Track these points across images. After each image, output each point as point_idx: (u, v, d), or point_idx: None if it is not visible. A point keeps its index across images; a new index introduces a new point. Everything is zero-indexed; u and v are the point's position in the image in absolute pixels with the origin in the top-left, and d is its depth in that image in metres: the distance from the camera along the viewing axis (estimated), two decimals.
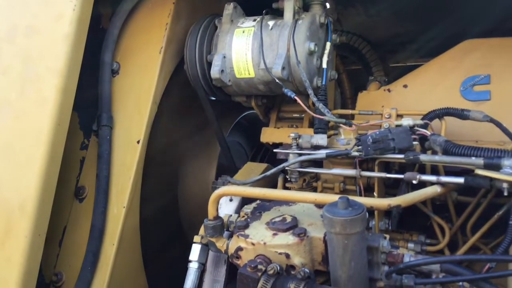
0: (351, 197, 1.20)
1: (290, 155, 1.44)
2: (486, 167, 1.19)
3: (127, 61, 1.70)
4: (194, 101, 1.76)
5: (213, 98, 1.79)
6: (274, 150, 1.53)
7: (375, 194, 1.41)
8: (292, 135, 1.45)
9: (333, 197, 1.19)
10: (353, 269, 1.15)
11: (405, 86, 1.69)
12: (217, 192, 1.34)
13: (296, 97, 1.43)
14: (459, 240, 1.48)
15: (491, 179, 1.19)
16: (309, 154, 1.42)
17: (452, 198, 1.49)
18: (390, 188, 1.55)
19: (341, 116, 1.67)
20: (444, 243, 1.45)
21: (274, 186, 1.66)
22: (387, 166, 1.50)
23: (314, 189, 1.55)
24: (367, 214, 1.21)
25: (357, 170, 1.40)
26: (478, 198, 1.44)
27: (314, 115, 1.43)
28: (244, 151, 2.29)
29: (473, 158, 1.21)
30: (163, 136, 1.75)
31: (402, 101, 1.67)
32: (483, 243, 1.46)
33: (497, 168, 1.17)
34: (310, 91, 1.45)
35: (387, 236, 1.26)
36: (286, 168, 1.44)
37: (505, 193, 1.18)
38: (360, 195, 1.43)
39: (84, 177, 1.64)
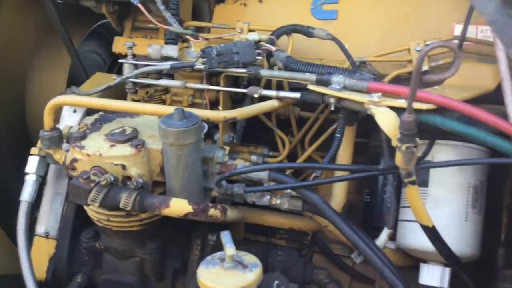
0: (189, 109, 1.21)
1: (126, 65, 1.40)
2: (318, 82, 1.25)
3: None
4: None
5: (60, 1, 1.66)
6: (119, 61, 1.47)
7: (220, 108, 1.43)
8: (128, 44, 1.40)
9: (171, 109, 1.19)
10: (186, 179, 1.18)
11: (260, 1, 1.68)
12: (52, 101, 1.28)
13: (139, 4, 1.37)
14: (298, 153, 1.58)
15: (323, 94, 1.26)
16: (152, 65, 1.38)
17: (295, 113, 1.56)
18: (240, 104, 1.58)
19: (197, 29, 1.64)
20: (284, 155, 1.54)
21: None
22: (236, 81, 1.52)
23: (163, 102, 1.53)
24: (205, 126, 1.24)
25: (203, 83, 1.40)
26: (316, 113, 1.52)
27: (159, 24, 1.38)
28: (104, 61, 2.19)
29: (307, 74, 1.26)
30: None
31: (257, 16, 1.67)
32: (320, 156, 1.56)
33: (327, 84, 1.23)
34: None
35: (227, 148, 1.31)
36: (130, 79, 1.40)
37: (332, 108, 1.26)
38: (206, 109, 1.44)
39: None
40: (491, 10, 1.07)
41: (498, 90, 1.22)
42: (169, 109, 1.21)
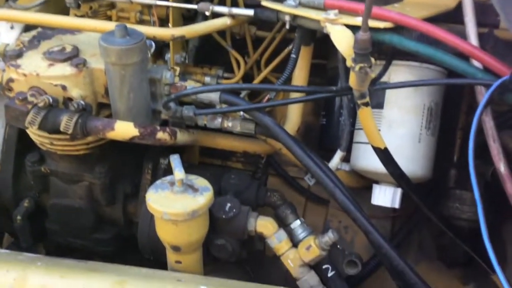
0: (134, 26, 1.13)
1: None
2: None
3: None
4: None
5: None
6: None
7: (169, 25, 1.34)
8: None
9: (113, 25, 1.10)
10: (132, 100, 1.12)
11: None
12: None
13: None
14: (254, 74, 1.52)
15: (277, 11, 1.19)
16: None
17: (251, 32, 1.48)
18: (192, 21, 1.49)
19: None
20: (239, 76, 1.48)
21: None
22: None
23: (109, 19, 1.43)
24: (151, 44, 1.16)
25: None
26: (273, 33, 1.46)
27: None
28: None
29: None
30: None
31: None
32: (276, 78, 1.51)
33: (281, 0, 1.16)
34: None
35: (177, 69, 1.24)
36: None
37: (287, 26, 1.19)
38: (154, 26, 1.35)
39: None
40: None
41: (458, 8, 1.19)
42: (111, 26, 1.13)
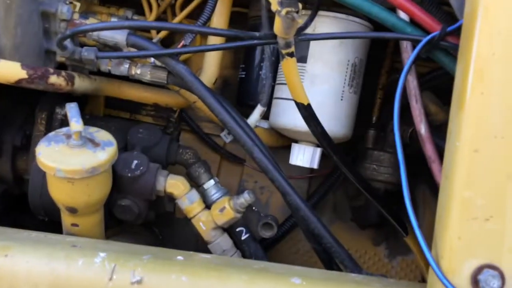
0: None
1: None
2: None
3: None
4: None
5: None
6: None
7: None
8: None
9: None
10: (20, 36, 0.95)
11: None
12: None
13: None
14: (168, 19, 1.38)
15: None
16: None
17: None
18: None
19: None
20: (151, 19, 1.33)
21: None
22: None
23: None
24: None
25: None
26: None
27: None
28: None
29: None
30: None
31: None
32: (192, 24, 1.38)
33: None
34: None
35: (77, 4, 1.08)
36: None
37: None
38: None
39: None
40: None
41: None
42: None
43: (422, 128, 1.07)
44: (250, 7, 1.39)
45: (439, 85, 1.25)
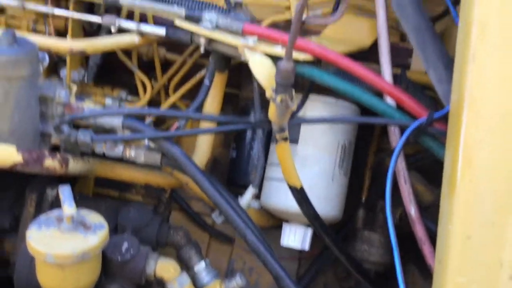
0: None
1: None
2: (187, 18, 1.08)
3: None
4: None
5: None
6: None
7: (68, 37, 1.19)
8: None
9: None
10: (17, 121, 0.96)
11: None
12: None
13: None
14: (161, 100, 1.41)
15: (192, 33, 1.10)
16: None
17: (160, 54, 1.37)
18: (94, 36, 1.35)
19: None
20: (144, 100, 1.35)
21: None
22: (90, 8, 1.28)
23: None
24: (44, 56, 1.01)
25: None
26: (184, 56, 1.36)
27: None
28: None
29: (175, 6, 1.09)
30: None
31: None
32: (185, 105, 1.41)
33: (197, 20, 1.08)
34: None
35: (74, 87, 1.10)
36: None
37: (202, 50, 1.11)
38: None
39: None
40: None
41: (373, 47, 1.18)
42: None
43: (412, 209, 1.08)
44: (242, 88, 1.43)
45: (423, 164, 1.28)
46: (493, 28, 0.80)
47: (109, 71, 1.40)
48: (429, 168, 1.26)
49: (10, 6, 1.16)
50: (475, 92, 0.80)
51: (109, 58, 1.35)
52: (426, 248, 1.06)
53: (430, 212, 1.09)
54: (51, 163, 0.97)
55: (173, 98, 1.36)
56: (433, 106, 1.08)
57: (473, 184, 0.79)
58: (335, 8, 1.12)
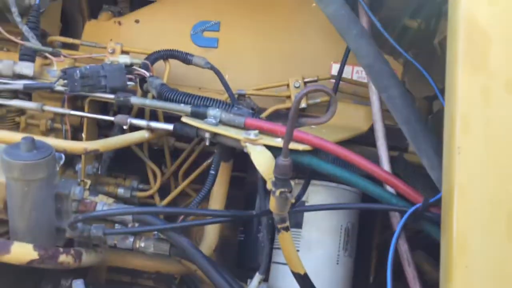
0: (43, 138, 1.05)
1: None
2: (193, 115, 1.16)
3: None
4: None
5: None
6: None
7: (83, 135, 1.28)
8: None
9: (19, 136, 1.02)
10: (34, 219, 1.02)
11: (137, 21, 1.57)
12: None
13: None
14: (171, 186, 1.47)
15: (197, 128, 1.17)
16: (1, 83, 1.20)
17: (169, 144, 1.45)
18: (108, 129, 1.44)
19: (66, 45, 1.47)
20: (155, 188, 1.42)
21: None
22: (104, 106, 1.38)
23: (17, 125, 1.34)
24: (61, 157, 1.09)
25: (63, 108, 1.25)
26: (192, 145, 1.43)
27: (12, 38, 1.21)
28: None
29: (182, 105, 1.17)
30: None
31: (133, 37, 1.54)
32: (193, 190, 1.47)
33: (202, 117, 1.15)
34: (14, 9, 1.22)
35: (87, 183, 1.17)
36: None
37: (207, 143, 1.18)
38: (66, 136, 1.28)
39: None
40: (368, 54, 1.08)
41: (371, 131, 1.24)
42: (17, 137, 1.05)
43: None
44: (248, 172, 1.49)
45: (431, 241, 1.29)
46: (475, 121, 0.85)
47: (122, 161, 1.47)
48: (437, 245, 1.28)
49: (30, 109, 1.25)
50: (463, 181, 0.84)
51: (122, 149, 1.42)
52: None
53: None
54: (65, 258, 1.02)
55: (183, 185, 1.42)
56: (430, 190, 1.11)
57: (469, 270, 0.81)
58: (327, 108, 1.18)
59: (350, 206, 1.17)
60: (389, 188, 1.09)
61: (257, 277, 1.15)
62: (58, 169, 1.08)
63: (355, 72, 1.52)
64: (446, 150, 0.88)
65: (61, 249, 1.02)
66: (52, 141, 1.08)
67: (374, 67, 1.08)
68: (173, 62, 1.42)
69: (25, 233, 1.02)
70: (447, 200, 0.87)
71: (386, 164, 1.14)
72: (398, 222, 1.07)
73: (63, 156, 1.10)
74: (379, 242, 1.42)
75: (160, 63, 1.41)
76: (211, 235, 1.26)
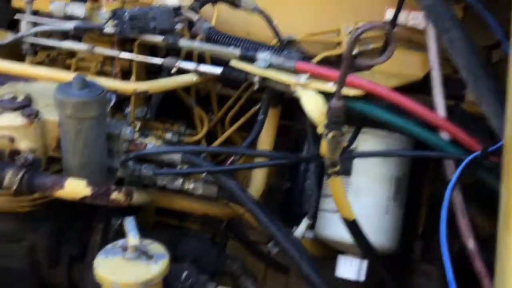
0: (94, 78, 1.06)
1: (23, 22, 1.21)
2: (242, 58, 1.14)
3: None
4: None
5: None
6: (15, 17, 1.28)
7: (132, 78, 1.28)
8: None
9: (71, 76, 1.03)
10: (86, 157, 1.04)
11: None
12: None
13: None
14: (218, 132, 1.47)
15: (246, 72, 1.15)
16: (52, 24, 1.21)
17: (216, 90, 1.44)
18: (156, 75, 1.44)
19: None
20: (202, 134, 1.42)
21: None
22: (153, 50, 1.37)
23: (68, 68, 1.36)
24: (112, 97, 1.09)
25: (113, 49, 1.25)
26: (239, 91, 1.42)
27: None
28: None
29: (231, 47, 1.15)
30: None
31: None
32: (240, 137, 1.46)
33: (251, 60, 1.13)
34: None
35: (137, 124, 1.18)
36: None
37: (256, 87, 1.16)
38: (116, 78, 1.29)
39: None
40: None
41: (426, 79, 1.19)
42: (69, 76, 1.06)
43: (470, 243, 1.07)
44: (295, 120, 1.47)
45: (485, 193, 1.25)
46: None
47: (170, 106, 1.48)
48: (491, 196, 1.24)
49: (80, 50, 1.26)
50: None
51: (170, 94, 1.43)
52: (486, 282, 1.03)
53: (492, 243, 1.07)
54: (117, 196, 1.04)
55: (229, 131, 1.42)
56: (487, 138, 1.07)
57: None
58: (384, 47, 1.14)
59: (403, 153, 1.14)
60: (444, 136, 1.05)
61: (305, 221, 1.15)
62: (108, 109, 1.09)
63: (411, 18, 1.45)
64: (510, 93, 0.84)
65: (113, 187, 1.04)
66: (103, 81, 1.08)
67: (434, 8, 1.02)
68: (220, 7, 1.39)
69: (78, 170, 1.04)
70: (509, 147, 0.83)
71: (442, 112, 1.09)
72: (453, 172, 1.03)
73: (114, 97, 1.11)
74: (430, 194, 1.38)
75: (208, 7, 1.38)
76: (259, 179, 1.26)
